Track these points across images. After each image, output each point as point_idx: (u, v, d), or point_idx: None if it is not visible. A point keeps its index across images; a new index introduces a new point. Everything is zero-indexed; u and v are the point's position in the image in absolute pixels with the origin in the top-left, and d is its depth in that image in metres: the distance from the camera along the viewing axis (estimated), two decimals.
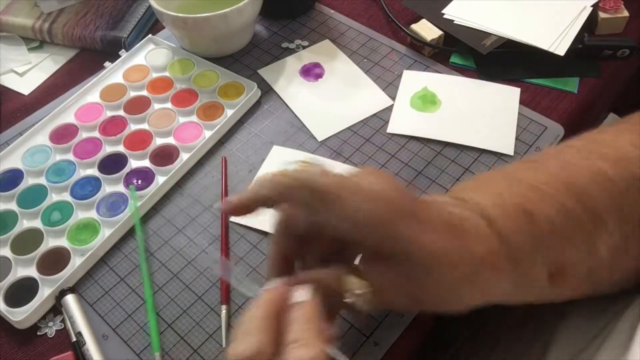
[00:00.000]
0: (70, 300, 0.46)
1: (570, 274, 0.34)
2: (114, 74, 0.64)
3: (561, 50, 0.59)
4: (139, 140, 0.57)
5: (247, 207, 0.35)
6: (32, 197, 0.53)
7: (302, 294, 0.31)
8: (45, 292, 0.47)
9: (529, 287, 0.35)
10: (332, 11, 0.70)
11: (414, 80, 0.61)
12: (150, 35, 0.67)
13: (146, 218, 0.52)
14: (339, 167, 0.54)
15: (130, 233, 0.51)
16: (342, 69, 0.64)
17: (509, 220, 0.33)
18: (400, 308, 0.33)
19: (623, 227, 0.34)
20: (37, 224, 0.51)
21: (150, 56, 0.65)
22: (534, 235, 0.33)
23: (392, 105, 0.60)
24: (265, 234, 0.50)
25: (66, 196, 0.53)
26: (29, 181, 0.55)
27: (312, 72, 0.64)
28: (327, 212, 0.32)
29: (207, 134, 0.57)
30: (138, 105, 0.60)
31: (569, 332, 0.41)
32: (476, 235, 0.33)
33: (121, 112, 0.60)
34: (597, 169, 0.34)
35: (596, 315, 0.40)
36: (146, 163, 0.55)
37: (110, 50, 0.67)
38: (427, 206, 0.34)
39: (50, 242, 0.50)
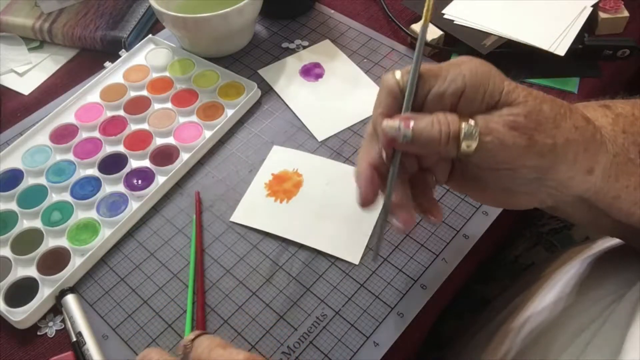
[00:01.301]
0: (70, 300, 0.46)
1: None
2: (114, 74, 0.64)
3: (561, 50, 0.59)
4: (139, 140, 0.57)
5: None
6: (32, 197, 0.53)
7: None
8: (45, 292, 0.47)
9: (629, 163, 0.35)
10: (332, 11, 0.70)
11: None
12: (150, 35, 0.67)
13: (146, 218, 0.52)
14: (339, 167, 0.54)
15: (130, 233, 0.52)
16: (342, 69, 0.64)
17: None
18: (513, 150, 0.33)
19: None
20: (37, 224, 0.51)
21: (151, 56, 0.65)
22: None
23: None
24: (265, 234, 0.50)
25: (66, 196, 0.53)
26: (29, 181, 0.55)
27: (312, 72, 0.64)
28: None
29: (207, 134, 0.57)
30: (138, 105, 0.60)
31: (568, 320, 0.41)
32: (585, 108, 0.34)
33: (121, 112, 0.60)
34: None
35: (596, 300, 0.41)
36: (146, 163, 0.55)
37: (111, 50, 0.67)
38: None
39: (51, 242, 0.50)
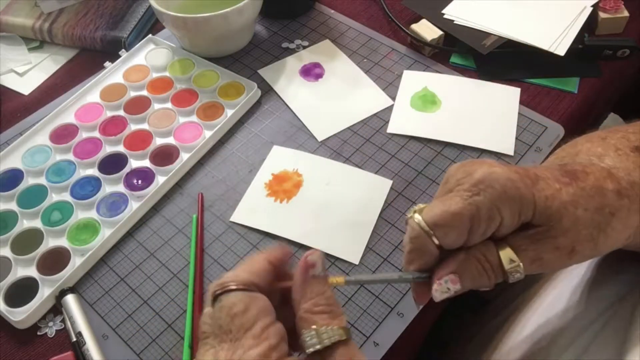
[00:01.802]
0: (70, 300, 0.46)
1: None
2: (114, 74, 0.64)
3: (561, 50, 0.59)
4: (139, 140, 0.57)
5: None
6: (32, 197, 0.53)
7: None
8: (45, 292, 0.47)
9: None
10: (332, 11, 0.70)
11: (414, 80, 0.61)
12: (150, 35, 0.67)
13: (146, 218, 0.52)
14: (339, 167, 0.54)
15: (130, 233, 0.52)
16: (342, 69, 0.64)
17: (618, 160, 0.34)
18: (555, 265, 0.33)
19: None
20: (37, 224, 0.51)
21: (151, 56, 0.65)
22: None
23: (392, 105, 0.60)
24: (265, 234, 0.50)
25: (66, 196, 0.53)
26: (29, 181, 0.55)
27: (312, 72, 0.64)
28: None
29: (207, 134, 0.57)
30: (138, 105, 0.60)
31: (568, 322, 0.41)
32: (600, 173, 0.33)
33: (121, 112, 0.60)
34: None
35: (597, 301, 0.41)
36: (146, 163, 0.55)
37: (110, 50, 0.67)
38: (539, 170, 0.34)
39: (51, 242, 0.50)
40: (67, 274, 0.48)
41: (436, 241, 0.32)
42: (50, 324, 0.46)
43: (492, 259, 0.32)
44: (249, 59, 0.65)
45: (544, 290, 0.48)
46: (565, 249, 0.32)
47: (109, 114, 0.60)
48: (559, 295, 0.45)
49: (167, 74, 0.63)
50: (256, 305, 0.29)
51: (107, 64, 0.66)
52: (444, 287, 0.32)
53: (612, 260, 0.44)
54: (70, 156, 0.56)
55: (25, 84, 0.66)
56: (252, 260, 0.32)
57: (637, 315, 0.35)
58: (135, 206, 0.52)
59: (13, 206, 0.53)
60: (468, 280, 0.32)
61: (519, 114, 0.58)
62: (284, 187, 0.53)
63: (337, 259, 0.48)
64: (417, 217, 0.32)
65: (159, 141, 0.57)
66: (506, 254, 0.32)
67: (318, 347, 0.28)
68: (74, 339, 0.44)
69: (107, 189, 0.54)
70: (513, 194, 0.31)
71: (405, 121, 0.58)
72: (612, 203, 0.32)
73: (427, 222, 0.31)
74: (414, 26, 0.64)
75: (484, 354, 0.48)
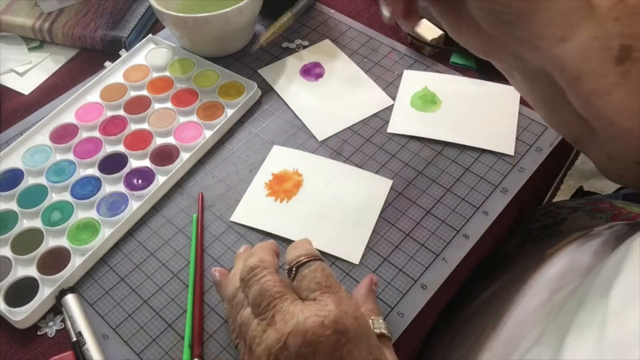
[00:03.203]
0: (70, 300, 0.46)
1: (634, 57, 0.33)
2: (114, 73, 0.64)
3: None
4: (139, 140, 0.57)
5: None
6: (33, 197, 0.53)
7: None
8: (45, 291, 0.47)
9: (604, 53, 0.34)
10: (332, 11, 0.70)
11: (414, 80, 0.61)
12: (150, 35, 0.67)
13: (146, 218, 0.52)
14: (339, 167, 0.54)
15: (130, 233, 0.52)
16: (342, 69, 0.64)
17: None
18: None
19: None
20: (37, 223, 0.51)
21: (151, 56, 0.65)
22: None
23: (392, 105, 0.60)
24: (265, 233, 0.50)
25: (66, 196, 0.53)
26: (29, 181, 0.55)
27: (312, 71, 0.64)
28: None
29: (207, 133, 0.57)
30: (138, 105, 0.60)
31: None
32: None
33: (121, 112, 0.60)
34: None
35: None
36: (146, 163, 0.55)
37: (111, 50, 0.67)
38: None
39: (51, 242, 0.50)
40: (67, 273, 0.48)
41: None
42: (51, 323, 0.46)
43: None
44: (249, 58, 0.65)
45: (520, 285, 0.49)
46: None
47: (109, 113, 0.60)
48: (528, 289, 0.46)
49: (167, 73, 0.63)
50: None
51: (107, 63, 0.66)
52: None
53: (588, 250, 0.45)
54: (70, 156, 0.56)
55: (26, 84, 0.66)
56: (271, 244, 0.42)
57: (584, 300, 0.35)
58: (135, 206, 0.52)
59: (13, 206, 0.53)
60: None
61: (520, 113, 0.58)
62: (284, 187, 0.53)
63: (337, 258, 0.48)
64: None
65: (159, 141, 0.57)
66: None
67: (384, 330, 0.39)
68: (74, 339, 0.44)
69: (107, 188, 0.54)
70: None
71: (406, 121, 0.58)
72: None
73: None
74: None
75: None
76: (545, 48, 0.34)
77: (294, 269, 0.38)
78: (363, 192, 0.52)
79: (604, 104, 0.35)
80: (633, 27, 0.33)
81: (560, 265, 0.45)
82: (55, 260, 0.49)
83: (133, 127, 0.59)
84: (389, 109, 0.59)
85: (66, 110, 0.60)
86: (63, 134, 0.58)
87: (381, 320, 0.40)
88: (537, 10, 0.33)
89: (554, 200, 0.80)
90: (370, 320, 0.39)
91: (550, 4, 0.32)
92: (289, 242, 0.49)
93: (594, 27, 0.33)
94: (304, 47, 0.66)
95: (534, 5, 0.32)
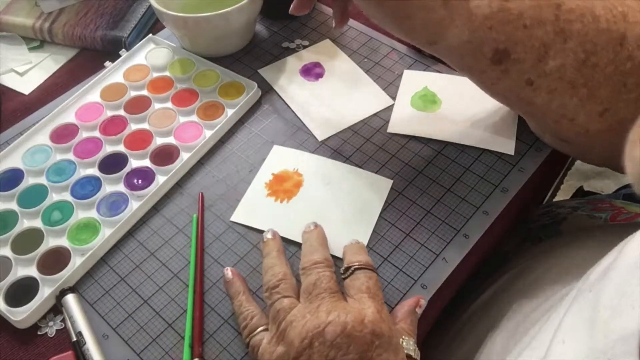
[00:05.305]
0: (70, 300, 0.46)
1: (513, 59, 0.40)
2: (114, 73, 0.64)
3: None
4: (139, 140, 0.57)
5: None
6: (33, 197, 0.53)
7: None
8: (45, 291, 0.47)
9: (477, 54, 0.41)
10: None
11: (414, 80, 0.61)
12: (150, 35, 0.67)
13: (146, 218, 0.52)
14: (339, 167, 0.54)
15: (130, 233, 0.52)
16: (342, 69, 0.64)
17: None
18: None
19: (579, 55, 0.39)
20: (37, 223, 0.51)
21: (151, 56, 0.65)
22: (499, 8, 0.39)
23: (392, 105, 0.60)
24: None
25: (66, 196, 0.53)
26: (29, 181, 0.55)
27: (312, 71, 0.64)
28: None
29: (208, 133, 0.57)
30: (138, 105, 0.60)
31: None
32: None
33: (121, 112, 0.60)
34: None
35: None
36: (146, 163, 0.55)
37: (111, 50, 0.67)
38: None
39: (51, 242, 0.50)
40: (68, 273, 0.48)
41: None
42: (51, 323, 0.46)
43: None
44: (249, 58, 0.65)
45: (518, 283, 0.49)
46: None
47: (109, 113, 0.60)
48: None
49: (167, 73, 0.63)
50: None
51: (107, 63, 0.66)
52: None
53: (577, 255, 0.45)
54: (70, 156, 0.56)
55: (26, 84, 0.66)
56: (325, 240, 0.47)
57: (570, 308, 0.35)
58: (135, 206, 0.52)
59: (13, 206, 0.53)
60: None
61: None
62: (284, 186, 0.53)
63: (337, 258, 0.48)
64: None
65: (159, 141, 0.57)
66: None
67: (412, 352, 0.39)
68: (74, 339, 0.44)
69: (108, 188, 0.54)
70: None
71: (406, 121, 0.58)
72: None
73: None
74: None
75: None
76: (420, 47, 0.43)
77: (352, 268, 0.42)
78: (363, 192, 0.52)
79: (496, 89, 0.44)
80: (507, 34, 0.39)
81: (559, 267, 0.45)
82: (55, 260, 0.49)
83: (133, 127, 0.59)
84: (389, 108, 0.59)
85: (66, 110, 0.60)
86: (63, 134, 0.58)
87: (412, 342, 0.40)
88: (401, 22, 0.40)
89: (554, 200, 0.80)
90: (402, 339, 0.40)
91: (409, 21, 0.39)
92: (289, 242, 0.49)
93: (466, 34, 0.40)
94: (304, 47, 0.66)
95: (397, 18, 0.40)
